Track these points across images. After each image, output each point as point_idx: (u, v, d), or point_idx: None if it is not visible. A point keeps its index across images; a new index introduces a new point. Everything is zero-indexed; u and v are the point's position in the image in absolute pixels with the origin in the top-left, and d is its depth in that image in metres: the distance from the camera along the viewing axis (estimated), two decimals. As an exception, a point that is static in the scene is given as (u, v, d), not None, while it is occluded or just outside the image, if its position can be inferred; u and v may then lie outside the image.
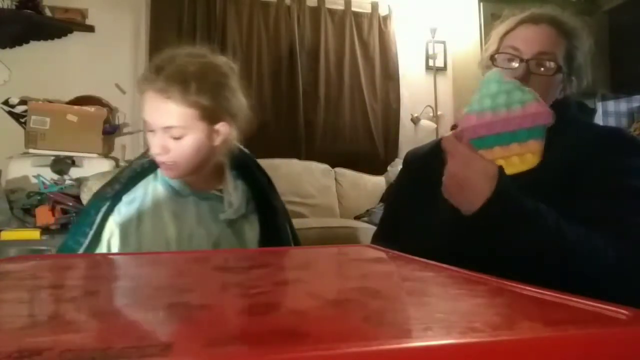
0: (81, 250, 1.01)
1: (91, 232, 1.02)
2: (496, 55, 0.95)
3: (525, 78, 0.89)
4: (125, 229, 1.03)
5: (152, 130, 1.00)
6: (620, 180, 0.79)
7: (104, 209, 1.03)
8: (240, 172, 1.13)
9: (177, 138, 0.98)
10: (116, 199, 1.05)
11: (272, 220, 1.14)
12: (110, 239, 1.03)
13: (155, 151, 1.00)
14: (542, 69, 0.90)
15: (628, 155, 0.82)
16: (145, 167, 1.09)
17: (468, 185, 0.75)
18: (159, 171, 1.07)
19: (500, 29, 0.98)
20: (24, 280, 0.57)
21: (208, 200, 1.09)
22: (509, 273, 0.60)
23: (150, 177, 1.08)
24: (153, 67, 0.99)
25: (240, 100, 1.05)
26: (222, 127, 1.03)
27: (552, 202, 0.76)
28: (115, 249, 1.03)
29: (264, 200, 1.15)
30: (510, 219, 0.74)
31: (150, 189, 1.07)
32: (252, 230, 1.11)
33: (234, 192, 1.09)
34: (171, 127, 0.97)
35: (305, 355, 0.26)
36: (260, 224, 1.12)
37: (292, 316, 0.38)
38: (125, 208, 1.04)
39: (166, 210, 1.05)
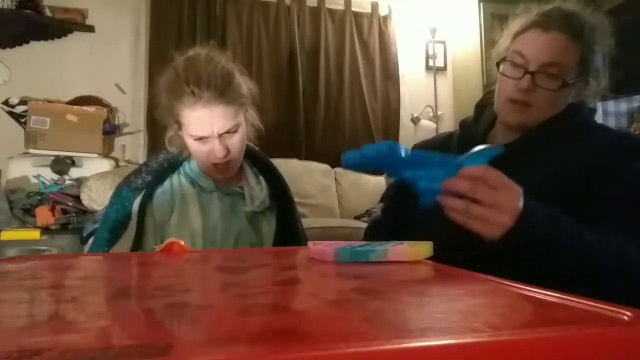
0: (121, 241, 1.05)
1: (130, 222, 1.06)
2: (502, 63, 0.91)
3: (530, 90, 0.87)
4: (161, 218, 1.08)
5: (202, 139, 1.02)
6: (637, 185, 0.79)
7: (138, 199, 1.07)
8: (261, 170, 1.20)
9: (234, 132, 1.04)
10: (149, 189, 1.09)
11: (289, 216, 1.20)
12: (148, 227, 1.07)
13: (221, 155, 1.03)
14: (548, 82, 0.86)
15: None
16: (172, 163, 1.14)
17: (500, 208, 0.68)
18: (181, 168, 1.13)
19: (513, 27, 0.92)
20: (24, 280, 0.57)
21: (230, 196, 1.14)
22: (510, 269, 0.60)
23: (175, 173, 1.13)
24: (185, 83, 0.99)
25: (248, 83, 1.09)
26: (247, 113, 1.11)
27: (563, 206, 0.75)
28: (151, 237, 1.06)
29: (284, 197, 1.20)
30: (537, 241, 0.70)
31: (177, 184, 1.12)
32: (269, 227, 1.15)
33: (256, 187, 1.15)
34: (230, 128, 1.02)
35: (305, 355, 0.26)
36: (277, 220, 1.17)
37: (292, 316, 0.38)
38: (158, 199, 1.09)
39: (193, 204, 1.10)
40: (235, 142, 1.05)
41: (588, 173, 0.81)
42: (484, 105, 1.04)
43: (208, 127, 1.00)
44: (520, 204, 0.68)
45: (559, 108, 0.90)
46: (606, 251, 0.71)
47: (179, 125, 1.05)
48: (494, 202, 0.67)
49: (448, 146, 1.04)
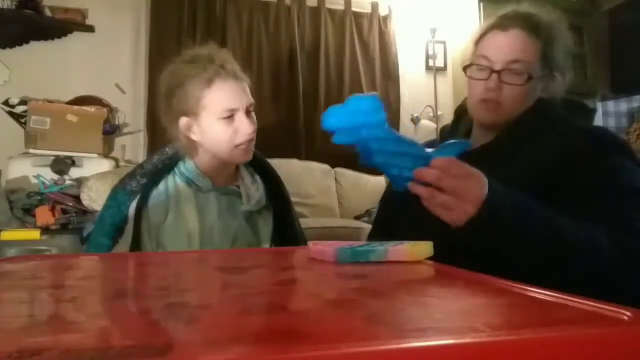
0: (118, 246, 1.05)
1: (127, 226, 1.06)
2: (468, 68, 0.96)
3: (498, 88, 0.90)
4: (156, 221, 1.07)
5: (229, 117, 1.05)
6: (607, 178, 0.79)
7: (134, 203, 1.07)
8: (257, 169, 1.20)
9: (252, 112, 1.10)
10: (144, 192, 1.08)
11: (286, 215, 1.20)
12: (143, 230, 1.07)
13: (250, 129, 1.07)
14: (514, 78, 0.90)
15: (612, 154, 0.82)
16: (166, 164, 1.13)
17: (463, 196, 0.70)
18: (176, 169, 1.13)
19: (474, 33, 0.98)
20: (24, 280, 0.57)
21: (227, 196, 1.13)
22: (499, 265, 0.60)
23: (170, 173, 1.13)
24: (209, 62, 1.05)
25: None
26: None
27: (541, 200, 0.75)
28: (147, 240, 1.06)
29: (280, 195, 1.20)
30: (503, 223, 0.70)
31: (172, 185, 1.11)
32: (266, 226, 1.15)
33: (252, 186, 1.15)
34: (251, 104, 1.09)
35: (305, 355, 0.26)
36: (274, 219, 1.16)
37: (292, 316, 0.38)
38: (153, 202, 1.08)
39: (189, 204, 1.09)
40: (255, 121, 1.09)
41: (564, 166, 0.81)
42: (463, 109, 1.06)
43: (238, 98, 1.05)
44: (484, 192, 0.69)
45: (528, 103, 0.93)
46: (576, 239, 0.70)
47: (196, 115, 1.05)
48: (457, 191, 0.70)
49: None
